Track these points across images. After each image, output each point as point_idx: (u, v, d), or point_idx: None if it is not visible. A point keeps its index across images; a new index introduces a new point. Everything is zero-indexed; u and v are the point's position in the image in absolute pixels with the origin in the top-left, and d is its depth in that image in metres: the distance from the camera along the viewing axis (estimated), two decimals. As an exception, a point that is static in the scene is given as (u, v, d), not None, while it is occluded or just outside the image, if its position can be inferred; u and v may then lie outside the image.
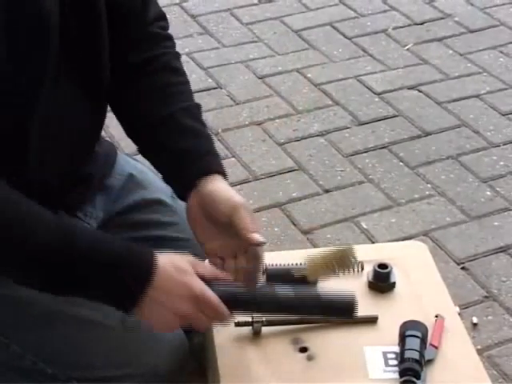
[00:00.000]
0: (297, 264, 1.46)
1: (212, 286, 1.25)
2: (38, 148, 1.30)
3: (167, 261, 1.26)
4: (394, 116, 2.81)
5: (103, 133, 1.53)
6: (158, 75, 1.46)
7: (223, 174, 1.38)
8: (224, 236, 1.35)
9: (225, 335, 1.36)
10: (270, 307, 1.27)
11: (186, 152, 1.39)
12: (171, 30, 1.55)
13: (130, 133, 1.47)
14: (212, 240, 1.37)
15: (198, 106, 1.47)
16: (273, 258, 1.49)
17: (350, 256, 1.26)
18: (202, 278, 1.25)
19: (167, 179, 1.45)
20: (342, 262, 1.26)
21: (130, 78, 1.44)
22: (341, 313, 1.28)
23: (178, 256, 1.29)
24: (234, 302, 1.25)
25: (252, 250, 1.32)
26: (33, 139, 1.29)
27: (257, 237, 1.30)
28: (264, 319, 1.35)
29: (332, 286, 1.31)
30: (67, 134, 1.36)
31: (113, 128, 2.70)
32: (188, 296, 1.23)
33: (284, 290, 1.27)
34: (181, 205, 1.64)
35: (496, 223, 2.36)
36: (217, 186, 1.35)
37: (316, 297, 1.27)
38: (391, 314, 1.39)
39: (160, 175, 1.46)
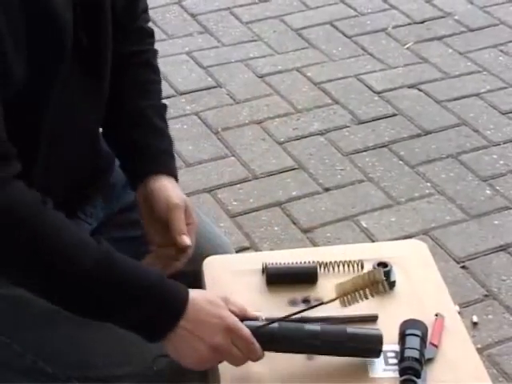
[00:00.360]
0: (297, 263, 1.46)
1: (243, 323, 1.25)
2: (47, 150, 1.31)
3: (199, 294, 1.27)
4: (394, 115, 2.81)
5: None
6: (140, 70, 1.50)
7: (174, 177, 1.44)
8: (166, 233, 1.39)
9: (225, 334, 1.35)
10: (298, 346, 1.27)
11: (146, 147, 1.45)
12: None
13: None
14: (157, 234, 1.41)
15: (165, 107, 1.53)
16: (273, 257, 1.49)
17: (378, 279, 1.26)
18: (233, 314, 1.26)
19: (123, 167, 1.50)
20: (371, 286, 1.26)
21: (115, 67, 1.45)
22: (367, 352, 1.28)
23: (210, 292, 1.32)
24: (265, 340, 1.25)
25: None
26: (42, 140, 1.30)
27: (185, 239, 1.36)
28: (264, 317, 1.35)
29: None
30: (74, 133, 1.37)
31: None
32: (221, 327, 1.23)
33: (312, 328, 1.27)
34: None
35: (496, 222, 2.36)
36: (160, 184, 1.41)
37: (343, 335, 1.27)
38: (391, 312, 1.39)
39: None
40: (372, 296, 1.28)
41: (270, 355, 1.28)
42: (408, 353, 1.27)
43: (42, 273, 1.20)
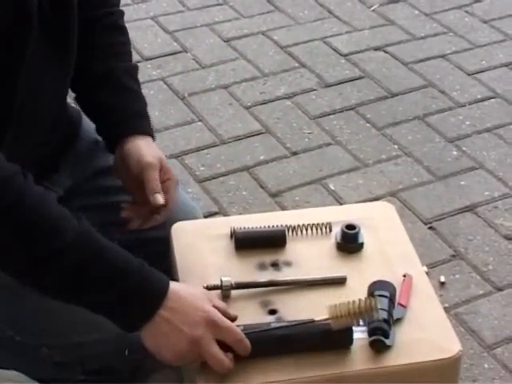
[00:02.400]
0: (265, 227, 1.46)
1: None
2: (15, 120, 1.29)
3: (182, 286, 1.25)
4: (361, 77, 2.81)
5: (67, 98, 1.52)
6: (108, 32, 1.50)
7: (150, 136, 1.45)
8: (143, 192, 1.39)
9: (194, 299, 1.36)
10: (264, 344, 1.24)
11: (119, 109, 1.45)
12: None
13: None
14: (136, 193, 1.42)
15: (136, 68, 1.52)
16: (241, 222, 1.49)
17: (373, 307, 1.26)
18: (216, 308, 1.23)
19: (99, 130, 1.50)
20: (365, 313, 1.26)
21: (83, 31, 1.44)
22: (338, 342, 1.27)
23: (193, 287, 1.28)
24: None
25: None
26: (11, 112, 1.28)
27: (157, 198, 1.36)
28: (233, 282, 1.35)
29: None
30: (42, 105, 1.35)
31: (78, 94, 2.68)
32: (203, 319, 1.19)
33: (278, 324, 1.26)
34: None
35: (462, 183, 2.38)
36: (135, 144, 1.41)
37: (315, 330, 1.26)
38: (359, 274, 1.40)
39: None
40: (364, 323, 1.27)
41: (239, 318, 1.28)
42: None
43: (21, 246, 1.16)
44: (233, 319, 1.25)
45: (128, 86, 1.48)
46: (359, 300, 1.23)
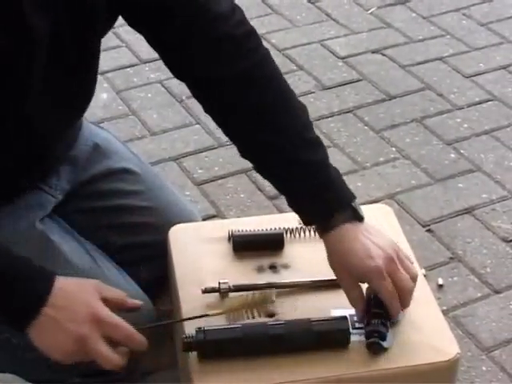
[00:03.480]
0: (263, 229, 1.46)
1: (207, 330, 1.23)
2: (13, 127, 1.28)
3: (68, 281, 1.20)
4: (358, 80, 2.81)
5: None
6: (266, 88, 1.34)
7: (358, 218, 1.29)
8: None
9: (192, 302, 1.36)
10: (261, 344, 1.25)
11: (322, 187, 1.28)
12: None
13: (254, 151, 1.36)
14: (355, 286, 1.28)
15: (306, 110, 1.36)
16: (239, 224, 1.49)
17: (268, 301, 1.26)
18: (106, 301, 1.19)
19: (298, 201, 1.32)
20: (260, 306, 1.27)
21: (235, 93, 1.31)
22: (335, 342, 1.27)
23: (84, 279, 1.24)
24: (225, 342, 1.23)
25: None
26: (12, 120, 1.27)
27: (401, 313, 1.26)
28: (231, 285, 1.35)
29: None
30: (52, 120, 1.33)
31: (76, 97, 2.68)
32: (88, 316, 1.16)
33: (275, 324, 1.27)
34: (149, 172, 1.63)
35: (460, 185, 2.38)
36: (350, 241, 1.25)
37: (308, 329, 1.26)
38: (357, 277, 1.40)
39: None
40: (259, 316, 1.27)
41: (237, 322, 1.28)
42: (374, 316, 1.28)
43: None
44: (134, 307, 1.22)
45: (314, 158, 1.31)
46: (254, 293, 1.24)
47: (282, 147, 1.28)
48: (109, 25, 1.32)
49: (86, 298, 1.18)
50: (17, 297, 1.16)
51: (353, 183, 2.38)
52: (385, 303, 1.25)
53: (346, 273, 1.26)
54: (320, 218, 1.28)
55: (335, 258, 1.28)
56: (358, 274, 1.25)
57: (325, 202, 1.27)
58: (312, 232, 1.47)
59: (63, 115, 1.34)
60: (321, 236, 1.30)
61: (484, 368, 1.86)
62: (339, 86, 2.79)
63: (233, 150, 2.51)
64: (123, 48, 2.92)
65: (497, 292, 2.04)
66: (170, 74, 1.40)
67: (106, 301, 1.20)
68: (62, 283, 1.18)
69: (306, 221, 1.32)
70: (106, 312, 1.18)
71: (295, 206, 1.31)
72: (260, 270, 1.42)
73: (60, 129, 1.39)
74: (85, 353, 1.17)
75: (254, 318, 1.26)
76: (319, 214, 1.28)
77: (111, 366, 1.18)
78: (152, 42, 1.32)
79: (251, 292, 1.27)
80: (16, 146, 1.30)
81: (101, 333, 1.16)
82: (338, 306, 1.33)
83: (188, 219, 1.57)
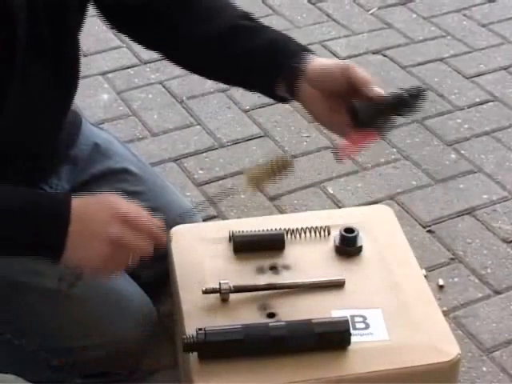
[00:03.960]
0: (264, 230, 1.46)
1: (206, 332, 1.23)
2: (8, 123, 1.29)
3: (84, 197, 1.22)
4: (359, 81, 2.81)
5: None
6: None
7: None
8: (338, 104, 1.29)
9: (193, 302, 1.36)
10: (261, 345, 1.25)
11: (270, 43, 1.35)
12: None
13: (198, 60, 1.42)
14: (341, 117, 1.29)
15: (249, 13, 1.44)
16: (240, 225, 1.49)
17: (288, 165, 1.27)
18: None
19: (258, 83, 1.38)
20: (280, 171, 1.27)
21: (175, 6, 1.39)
22: (336, 343, 1.27)
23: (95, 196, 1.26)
24: (226, 342, 1.24)
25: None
26: (5, 114, 1.27)
27: (376, 90, 1.26)
28: (232, 285, 1.35)
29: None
30: (38, 116, 1.34)
31: (76, 97, 2.67)
32: (112, 217, 1.18)
33: (276, 325, 1.27)
34: (149, 173, 1.64)
35: (461, 186, 2.38)
36: (319, 60, 1.31)
37: (308, 330, 1.26)
38: (358, 277, 1.40)
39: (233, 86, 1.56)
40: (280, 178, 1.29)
41: (238, 322, 1.28)
42: None
43: None
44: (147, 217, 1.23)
45: (259, 25, 1.41)
46: (271, 160, 1.26)
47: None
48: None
49: (104, 201, 1.20)
50: (42, 228, 1.17)
51: (353, 184, 2.38)
52: (367, 85, 1.25)
53: (326, 95, 1.28)
54: (298, 56, 1.32)
55: (315, 82, 1.28)
56: (337, 79, 1.26)
57: (294, 44, 1.36)
58: (313, 233, 1.47)
59: (47, 106, 1.34)
60: (295, 78, 1.30)
61: (485, 369, 1.86)
62: (340, 86, 2.78)
63: (234, 151, 2.52)
64: (123, 49, 2.92)
65: (497, 293, 2.04)
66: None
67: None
68: (78, 199, 1.19)
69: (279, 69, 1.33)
70: (126, 206, 1.20)
71: (268, 68, 1.33)
72: (260, 270, 1.42)
73: (49, 121, 1.39)
74: (123, 252, 1.18)
75: (274, 180, 1.26)
76: (295, 53, 1.32)
77: (157, 241, 1.20)
78: None
79: (269, 160, 1.26)
80: (9, 144, 1.30)
81: (130, 229, 1.18)
82: (339, 307, 1.33)
83: (189, 220, 1.57)
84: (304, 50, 1.34)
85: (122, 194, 1.53)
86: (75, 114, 1.61)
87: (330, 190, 2.36)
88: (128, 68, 2.82)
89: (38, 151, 1.40)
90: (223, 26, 1.37)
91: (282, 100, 1.39)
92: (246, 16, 1.42)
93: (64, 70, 1.35)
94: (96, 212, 1.18)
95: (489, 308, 2.00)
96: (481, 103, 2.70)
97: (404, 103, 1.26)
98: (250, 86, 1.43)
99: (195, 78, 2.80)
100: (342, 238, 1.45)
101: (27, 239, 1.17)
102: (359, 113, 1.22)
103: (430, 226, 2.24)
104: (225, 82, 1.49)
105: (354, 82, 1.25)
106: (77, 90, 1.42)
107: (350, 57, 2.92)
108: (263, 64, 1.33)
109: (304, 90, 1.29)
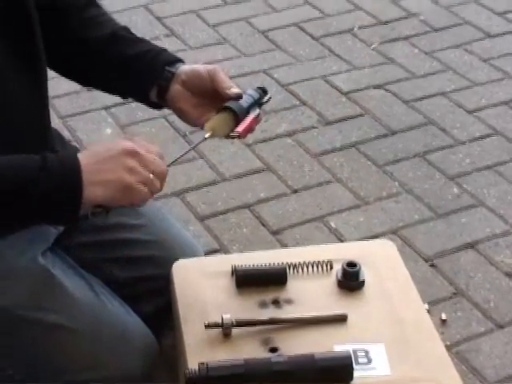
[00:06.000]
0: (266, 264, 1.46)
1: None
2: None
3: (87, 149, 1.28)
4: (361, 115, 2.82)
5: (69, 135, 1.52)
6: (86, 10, 1.52)
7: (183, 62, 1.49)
8: (207, 104, 1.43)
9: (195, 337, 1.36)
10: (264, 380, 1.24)
11: (146, 52, 1.47)
12: (138, 32, 1.56)
13: (78, 69, 1.52)
14: (203, 112, 1.43)
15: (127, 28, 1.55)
16: (242, 259, 1.49)
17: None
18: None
19: (133, 87, 1.49)
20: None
21: (59, 21, 1.48)
22: (338, 378, 1.27)
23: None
24: (228, 377, 1.23)
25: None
26: None
27: (235, 90, 1.41)
28: (234, 320, 1.35)
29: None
30: (9, 110, 1.33)
31: (80, 131, 2.69)
32: (124, 151, 1.23)
33: (278, 359, 1.26)
34: (152, 206, 1.64)
35: (463, 220, 2.38)
36: (189, 65, 1.46)
37: (311, 364, 1.26)
38: (361, 311, 1.40)
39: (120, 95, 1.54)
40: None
41: (240, 357, 1.28)
42: None
43: None
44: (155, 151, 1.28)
45: (135, 37, 1.51)
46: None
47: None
48: None
49: (109, 143, 1.25)
50: (54, 184, 1.19)
51: (355, 218, 2.38)
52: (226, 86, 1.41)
53: (194, 93, 1.43)
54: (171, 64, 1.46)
55: (186, 82, 1.43)
56: (204, 79, 1.42)
57: (168, 54, 1.49)
58: (315, 267, 1.47)
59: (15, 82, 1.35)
60: (168, 86, 1.44)
61: (488, 404, 1.85)
62: (342, 120, 2.80)
63: (236, 185, 2.52)
64: (127, 83, 2.94)
65: (501, 327, 2.03)
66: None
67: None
68: (83, 153, 1.23)
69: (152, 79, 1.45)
70: (132, 143, 1.25)
71: (145, 75, 1.45)
72: (263, 304, 1.41)
73: (25, 111, 1.38)
74: (138, 179, 1.23)
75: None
76: (169, 61, 1.46)
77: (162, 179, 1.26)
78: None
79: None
80: None
81: (139, 162, 1.24)
82: (342, 342, 1.33)
83: (191, 254, 1.57)
84: (177, 59, 1.47)
85: (122, 226, 1.54)
86: (75, 149, 1.61)
87: (333, 224, 2.36)
88: (131, 102, 2.84)
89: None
90: (104, 33, 1.48)
91: (155, 106, 1.49)
92: (126, 29, 1.52)
93: (28, 51, 1.36)
94: (105, 149, 1.23)
95: (492, 342, 1.99)
96: (482, 137, 2.71)
97: (259, 98, 1.47)
98: (125, 93, 1.54)
99: (198, 112, 2.82)
100: (345, 273, 1.45)
101: (43, 195, 1.19)
102: (235, 109, 1.41)
103: (432, 260, 2.24)
104: (101, 88, 1.57)
105: (216, 82, 1.41)
106: (46, 78, 1.42)
107: (352, 91, 2.93)
108: (139, 70, 1.46)
109: (174, 90, 1.43)
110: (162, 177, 1.26)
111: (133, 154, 1.23)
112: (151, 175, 1.24)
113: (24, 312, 1.36)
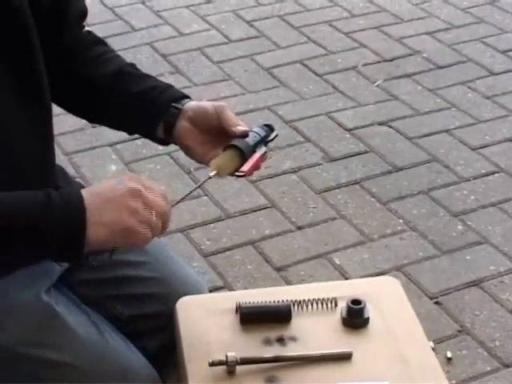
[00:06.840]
0: (270, 302, 1.46)
1: None
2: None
3: (92, 187, 1.26)
4: (366, 152, 2.83)
5: (73, 172, 1.52)
6: (92, 48, 1.52)
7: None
8: (214, 141, 1.42)
9: (199, 375, 1.35)
10: None
11: (153, 88, 1.46)
12: (142, 70, 1.56)
13: (85, 105, 1.52)
14: (209, 149, 1.42)
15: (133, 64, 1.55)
16: (246, 296, 1.49)
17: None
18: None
19: (140, 123, 1.48)
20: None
21: (66, 59, 1.48)
22: None
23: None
24: None
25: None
26: None
27: (241, 128, 1.40)
28: (238, 357, 1.34)
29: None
30: (11, 148, 1.33)
31: (85, 168, 2.70)
32: (128, 192, 1.22)
33: None
34: (155, 243, 1.63)
35: (468, 257, 2.37)
36: (196, 101, 1.45)
37: None
38: (365, 349, 1.39)
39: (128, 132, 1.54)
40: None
41: None
42: None
43: None
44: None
45: (141, 73, 1.50)
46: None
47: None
48: None
49: (114, 182, 1.24)
50: (58, 224, 1.19)
51: (360, 255, 2.38)
52: (233, 124, 1.40)
53: (201, 130, 1.42)
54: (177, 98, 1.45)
55: (192, 118, 1.42)
56: (211, 115, 1.41)
57: (174, 90, 1.48)
58: (320, 304, 1.47)
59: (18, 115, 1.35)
60: (176, 122, 1.43)
61: None
62: (346, 157, 2.80)
63: (241, 222, 2.53)
64: (132, 120, 2.96)
65: (506, 366, 2.02)
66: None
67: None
68: (85, 191, 1.22)
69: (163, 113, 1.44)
70: (135, 181, 1.24)
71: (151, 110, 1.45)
72: (267, 342, 1.41)
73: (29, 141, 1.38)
74: (141, 220, 1.21)
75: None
76: (176, 97, 1.45)
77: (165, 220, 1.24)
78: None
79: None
80: None
81: (143, 203, 1.22)
82: (346, 380, 1.32)
83: (195, 290, 1.57)
84: (184, 96, 1.46)
85: (126, 263, 1.53)
86: (80, 186, 1.61)
87: (337, 261, 2.36)
88: (136, 139, 2.85)
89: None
90: (110, 70, 1.48)
91: (162, 142, 1.49)
92: (133, 65, 1.52)
93: (31, 87, 1.36)
94: (109, 190, 1.23)
95: (498, 381, 1.98)
96: (487, 174, 2.72)
97: (265, 136, 1.45)
98: (131, 129, 1.54)
99: (202, 148, 2.83)
100: (349, 310, 1.44)
101: (45, 238, 1.19)
102: (242, 147, 1.39)
103: (437, 297, 2.23)
104: (107, 125, 1.57)
105: (223, 120, 1.40)
106: (51, 115, 1.42)
107: (356, 128, 2.94)
108: (145, 107, 1.45)
109: (181, 126, 1.43)
110: (165, 218, 1.25)
111: (137, 194, 1.22)
112: (154, 217, 1.23)
113: (26, 349, 1.35)
